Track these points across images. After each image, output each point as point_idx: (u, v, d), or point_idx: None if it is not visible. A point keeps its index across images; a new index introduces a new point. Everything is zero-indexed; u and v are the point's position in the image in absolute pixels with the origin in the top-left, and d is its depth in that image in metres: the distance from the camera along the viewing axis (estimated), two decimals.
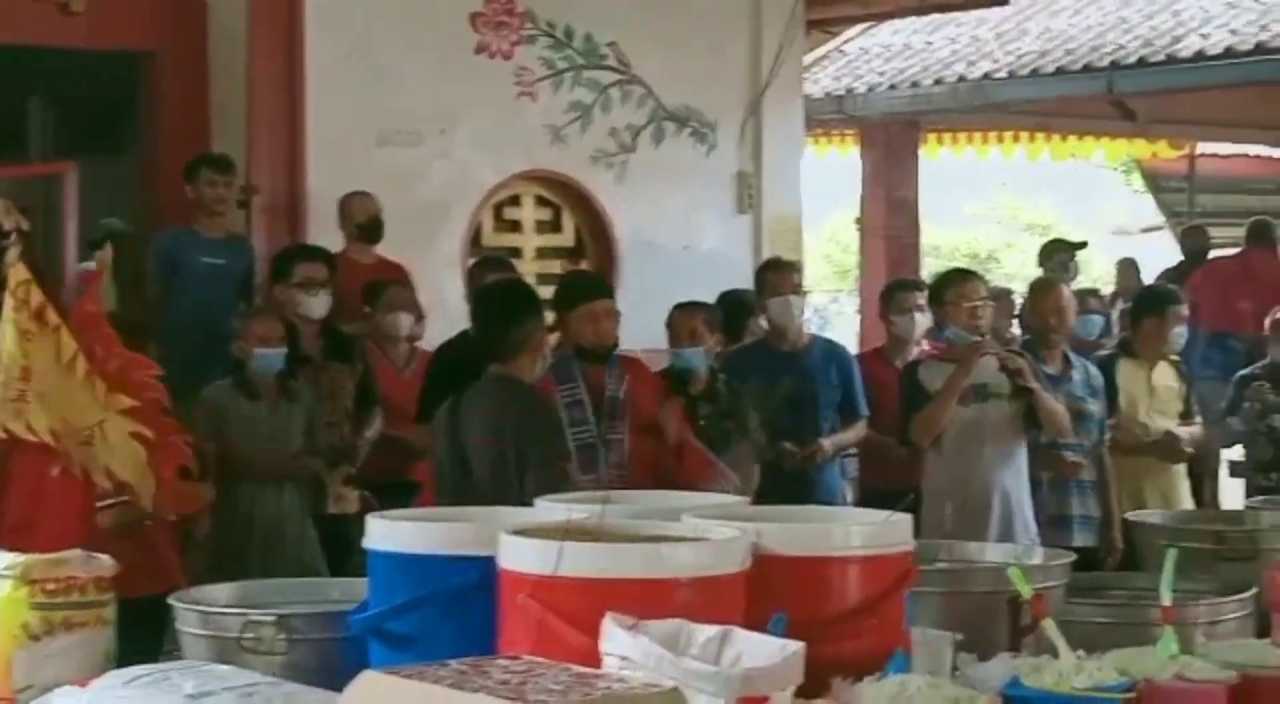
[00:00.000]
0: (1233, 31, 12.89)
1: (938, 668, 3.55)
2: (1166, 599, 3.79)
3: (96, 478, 5.17)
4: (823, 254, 27.49)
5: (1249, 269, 11.90)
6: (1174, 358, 8.12)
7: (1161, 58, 12.96)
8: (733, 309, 8.80)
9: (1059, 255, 11.98)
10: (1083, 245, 12.89)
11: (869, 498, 7.33)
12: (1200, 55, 12.75)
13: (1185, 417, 8.03)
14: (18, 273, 5.09)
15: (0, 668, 3.66)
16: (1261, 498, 7.46)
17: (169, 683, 3.39)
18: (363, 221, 9.02)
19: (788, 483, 7.42)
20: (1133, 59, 13.15)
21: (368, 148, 9.62)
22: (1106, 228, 27.12)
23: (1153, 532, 5.28)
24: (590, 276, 8.99)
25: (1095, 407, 7.50)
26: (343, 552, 6.91)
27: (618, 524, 3.63)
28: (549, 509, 3.88)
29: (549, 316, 6.77)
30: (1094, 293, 11.53)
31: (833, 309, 25.79)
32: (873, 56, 15.26)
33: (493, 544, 3.40)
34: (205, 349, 7.81)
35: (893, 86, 14.43)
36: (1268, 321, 9.71)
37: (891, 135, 14.75)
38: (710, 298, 8.58)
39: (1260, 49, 12.43)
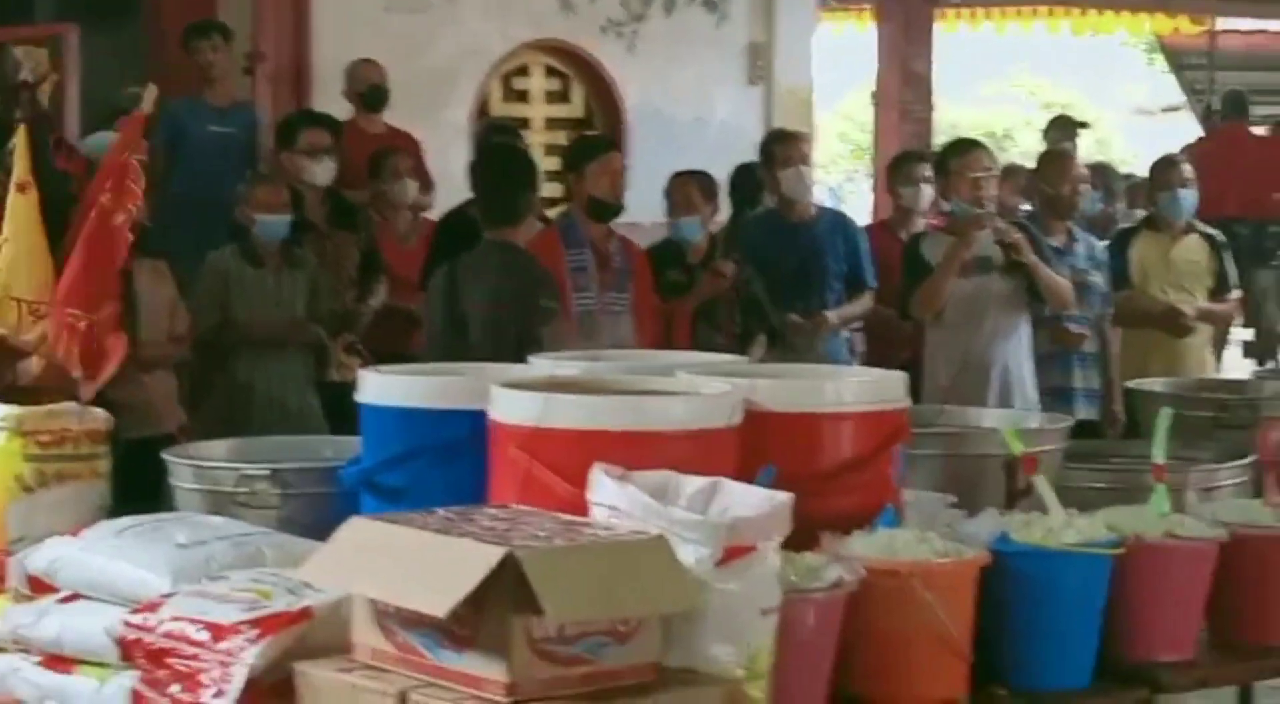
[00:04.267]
0: None
1: (929, 527, 3.55)
2: (1159, 458, 3.78)
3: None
4: (839, 132, 27.38)
5: (1230, 146, 11.82)
6: (1208, 232, 8.04)
7: None
8: (745, 181, 8.77)
9: (1061, 132, 11.91)
10: (1085, 124, 12.80)
11: None
12: None
13: (1217, 293, 7.95)
14: (20, 135, 5.03)
15: None
16: (1269, 368, 7.47)
17: (161, 532, 3.41)
18: (364, 90, 8.96)
19: (794, 354, 7.39)
20: None
21: (375, 14, 9.55)
22: (1128, 107, 26.98)
23: (1153, 399, 5.27)
24: (601, 135, 8.95)
25: (1098, 278, 7.46)
26: (345, 419, 6.89)
27: (611, 379, 3.63)
28: (542, 365, 3.88)
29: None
30: (1102, 167, 11.46)
31: (848, 188, 25.71)
32: None
33: (484, 398, 3.40)
34: (210, 217, 7.78)
35: None
36: None
37: (908, 8, 14.57)
38: (721, 170, 8.55)
39: None
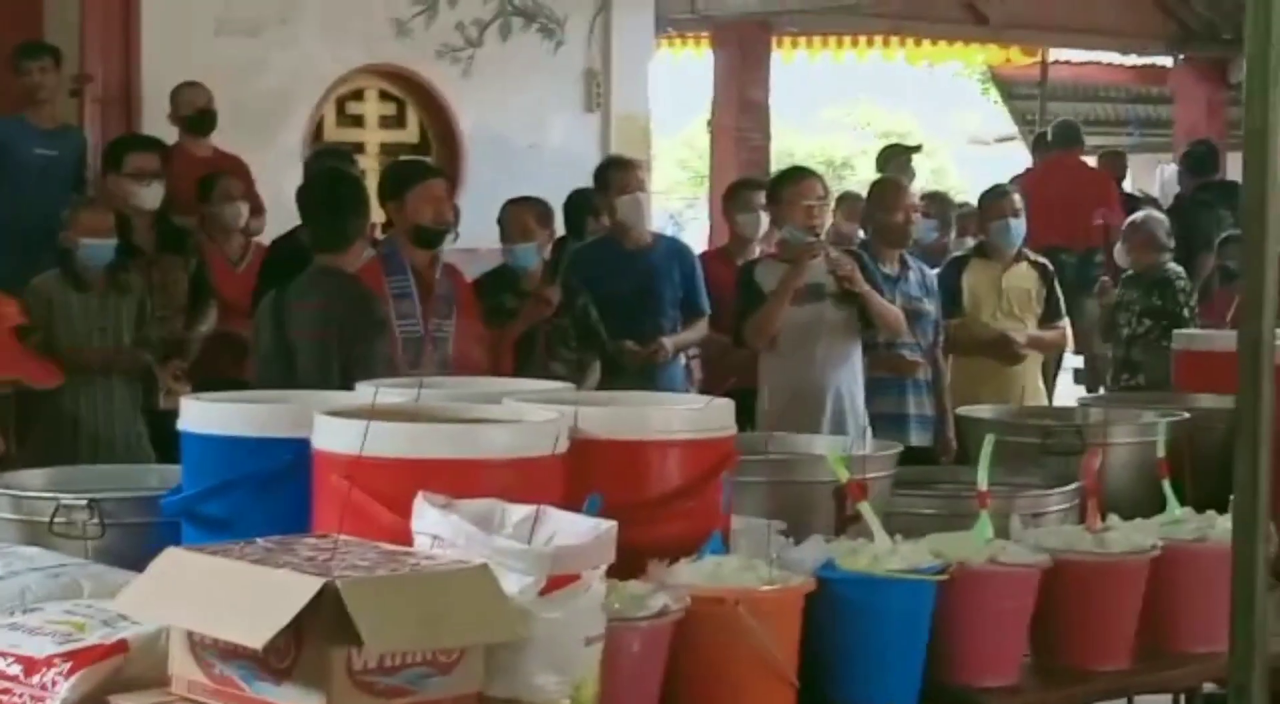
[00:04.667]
0: None
1: (757, 554, 3.55)
2: (983, 484, 3.81)
3: None
4: (679, 160, 27.50)
5: (1058, 175, 12.00)
6: (1038, 260, 8.16)
7: None
8: (579, 207, 8.77)
9: (896, 159, 12.05)
10: (917, 149, 12.96)
11: None
12: None
13: (1046, 320, 8.07)
14: None
15: None
16: (1096, 395, 7.58)
17: None
18: (191, 114, 8.84)
19: (629, 382, 7.39)
20: None
21: (206, 37, 9.43)
22: (963, 137, 27.35)
23: (981, 426, 5.29)
24: (421, 160, 8.88)
25: (930, 306, 7.54)
26: (174, 448, 6.79)
27: (436, 407, 3.59)
28: (367, 393, 3.83)
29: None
30: (937, 196, 11.59)
31: (688, 215, 25.83)
32: None
33: (308, 426, 3.36)
34: (36, 241, 7.65)
35: None
36: (1123, 228, 9.85)
37: (744, 36, 14.67)
38: (557, 196, 8.54)
39: None
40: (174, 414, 7.27)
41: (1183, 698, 4.82)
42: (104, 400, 6.93)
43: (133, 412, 7.01)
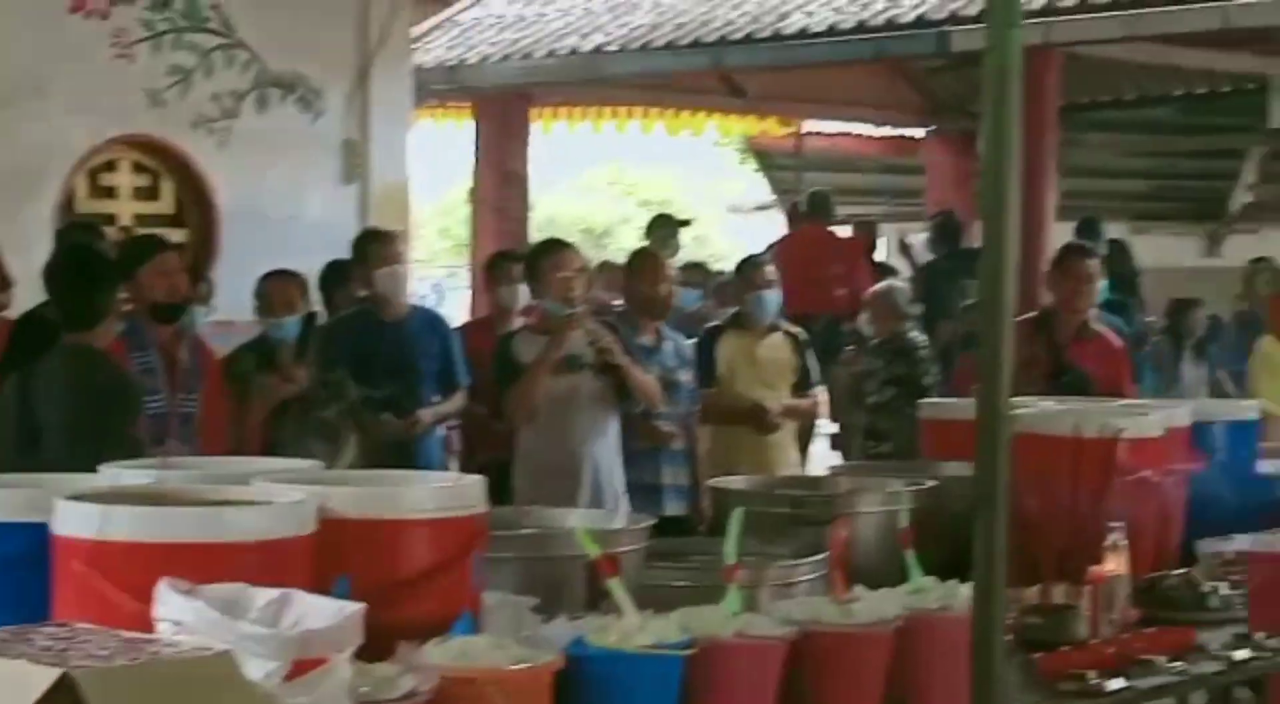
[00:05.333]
0: (835, 9, 13.22)
1: (510, 631, 3.55)
2: (731, 558, 3.85)
3: None
4: (440, 228, 27.48)
5: (810, 244, 12.22)
6: (791, 330, 8.28)
7: (767, 34, 13.21)
8: (333, 279, 8.74)
9: (662, 230, 12.19)
10: (686, 222, 13.13)
11: (472, 470, 7.31)
12: (804, 32, 13.03)
13: (800, 389, 8.19)
14: None
15: None
16: (846, 464, 7.70)
17: None
18: None
19: (387, 455, 7.36)
20: (740, 35, 13.38)
21: None
22: (723, 205, 27.67)
23: (733, 497, 5.34)
24: (153, 235, 8.79)
25: (685, 376, 7.63)
26: None
27: (182, 489, 3.55)
28: (112, 474, 3.78)
29: None
30: (698, 266, 11.74)
31: (450, 284, 25.78)
32: (485, 27, 15.26)
33: (49, 510, 3.30)
34: None
35: (505, 58, 14.44)
36: (866, 297, 10.05)
37: (504, 107, 14.78)
38: (314, 269, 8.50)
39: (861, 27, 12.77)
40: None
41: None
42: None
43: None
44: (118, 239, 9.33)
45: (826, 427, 11.02)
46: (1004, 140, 3.66)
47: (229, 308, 7.84)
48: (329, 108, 11.08)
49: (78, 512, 3.21)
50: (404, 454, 7.53)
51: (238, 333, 7.89)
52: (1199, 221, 17.44)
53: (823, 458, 10.52)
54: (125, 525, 3.15)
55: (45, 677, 2.63)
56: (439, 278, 26.29)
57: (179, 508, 3.31)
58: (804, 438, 9.06)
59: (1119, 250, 12.76)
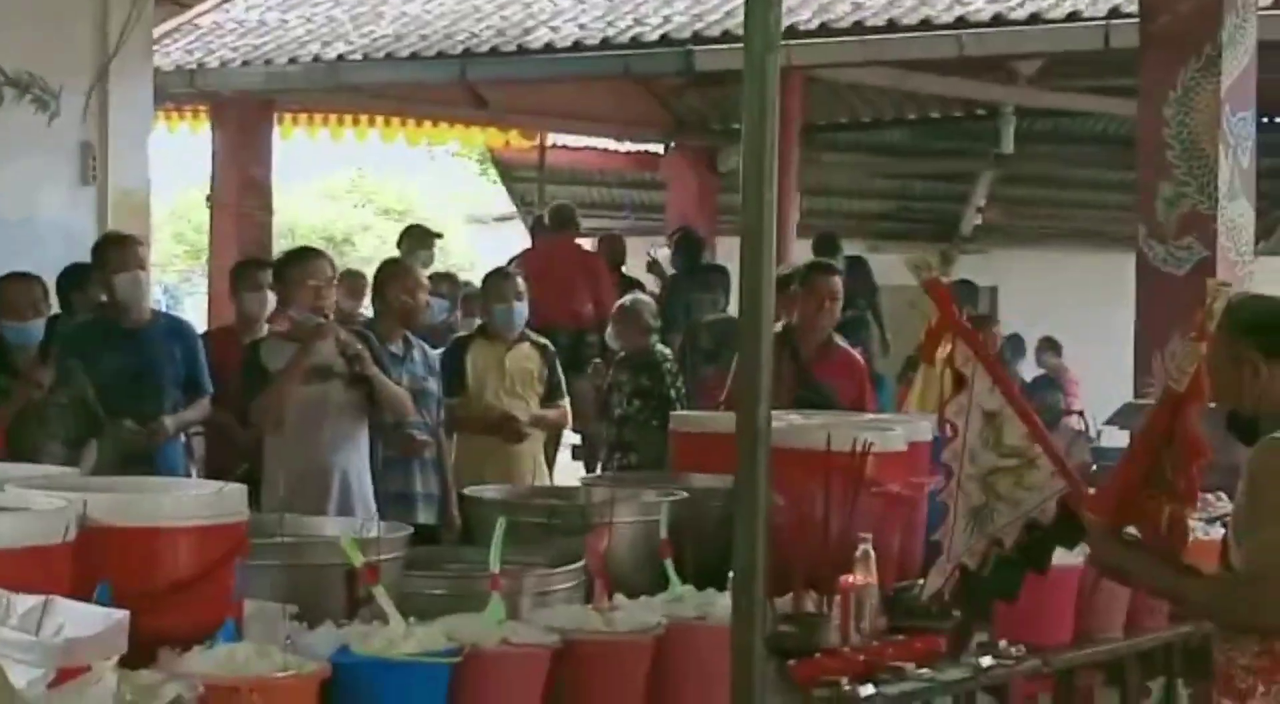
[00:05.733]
0: (581, 26, 13.29)
1: (270, 639, 3.53)
2: (495, 567, 3.87)
3: None
4: (174, 232, 27.01)
5: (554, 257, 12.29)
6: (539, 341, 8.31)
7: (512, 48, 13.23)
8: (72, 283, 8.55)
9: (415, 241, 12.16)
10: (439, 235, 13.11)
11: (215, 478, 7.22)
12: (549, 47, 13.07)
13: (548, 399, 8.22)
14: None
15: None
16: (598, 474, 7.77)
17: None
18: None
19: (128, 462, 7.23)
20: (485, 48, 13.38)
21: None
22: (463, 214, 27.62)
23: (488, 506, 5.35)
24: None
25: (434, 385, 7.63)
26: None
27: None
28: None
29: None
30: (447, 277, 11.72)
31: (184, 288, 25.39)
32: (226, 31, 15.05)
33: None
34: None
35: (246, 63, 14.25)
36: (612, 311, 10.13)
37: (244, 113, 14.59)
38: (50, 271, 8.31)
39: (606, 44, 12.84)
40: None
41: None
42: None
43: None
44: None
45: (569, 438, 11.08)
46: (762, 160, 3.73)
47: None
48: (66, 109, 10.83)
49: None
50: (145, 462, 7.39)
51: None
52: (933, 241, 17.84)
53: (566, 469, 10.57)
54: None
55: None
56: (172, 283, 25.89)
57: None
58: (550, 448, 9.11)
59: (859, 267, 13.02)
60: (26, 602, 3.01)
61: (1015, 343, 13.83)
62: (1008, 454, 4.43)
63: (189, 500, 3.65)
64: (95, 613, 3.02)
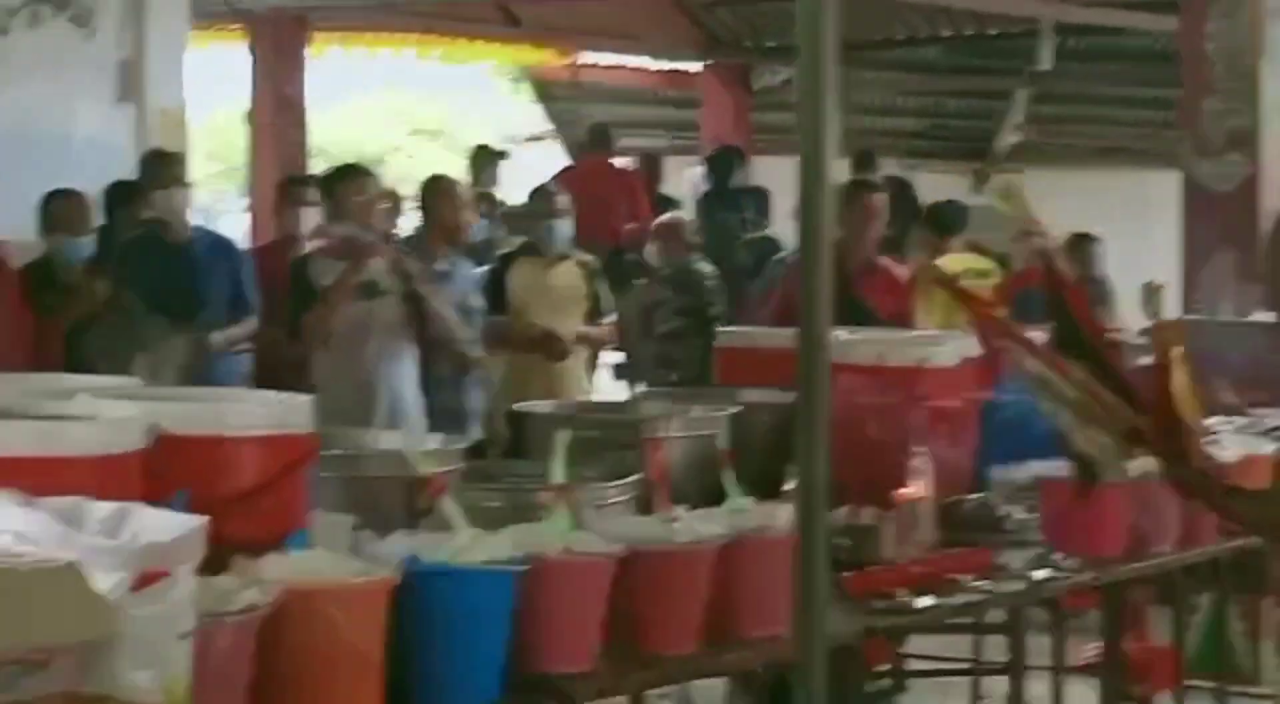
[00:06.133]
0: None
1: (338, 548, 3.57)
2: (558, 478, 3.90)
3: None
4: (208, 151, 26.99)
5: (592, 176, 12.28)
6: (584, 258, 8.32)
7: None
8: (119, 199, 8.59)
9: (482, 160, 12.21)
10: (504, 154, 13.14)
11: None
12: None
13: (592, 317, 8.24)
14: None
15: None
16: (647, 390, 7.79)
17: None
18: None
19: (175, 377, 7.28)
20: None
21: None
22: (496, 134, 27.55)
23: (541, 421, 5.40)
24: None
25: (477, 302, 7.65)
26: None
27: (10, 403, 3.51)
28: None
29: None
30: (487, 196, 11.73)
31: (219, 207, 25.38)
32: None
33: None
34: None
35: None
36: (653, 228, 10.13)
37: (279, 31, 14.57)
38: (90, 188, 8.34)
39: None
40: None
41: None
42: None
43: None
44: None
45: (609, 357, 11.11)
46: (819, 74, 3.71)
47: (1, 227, 7.64)
48: (103, 26, 10.82)
49: None
50: (193, 378, 7.45)
51: (12, 252, 7.71)
52: (967, 160, 17.76)
53: (607, 387, 10.61)
54: None
55: None
56: (208, 201, 25.88)
57: (17, 421, 3.27)
58: (590, 366, 9.14)
59: (900, 186, 13.00)
60: (104, 508, 3.04)
61: None
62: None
63: (259, 410, 3.68)
64: (172, 519, 3.04)
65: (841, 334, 5.91)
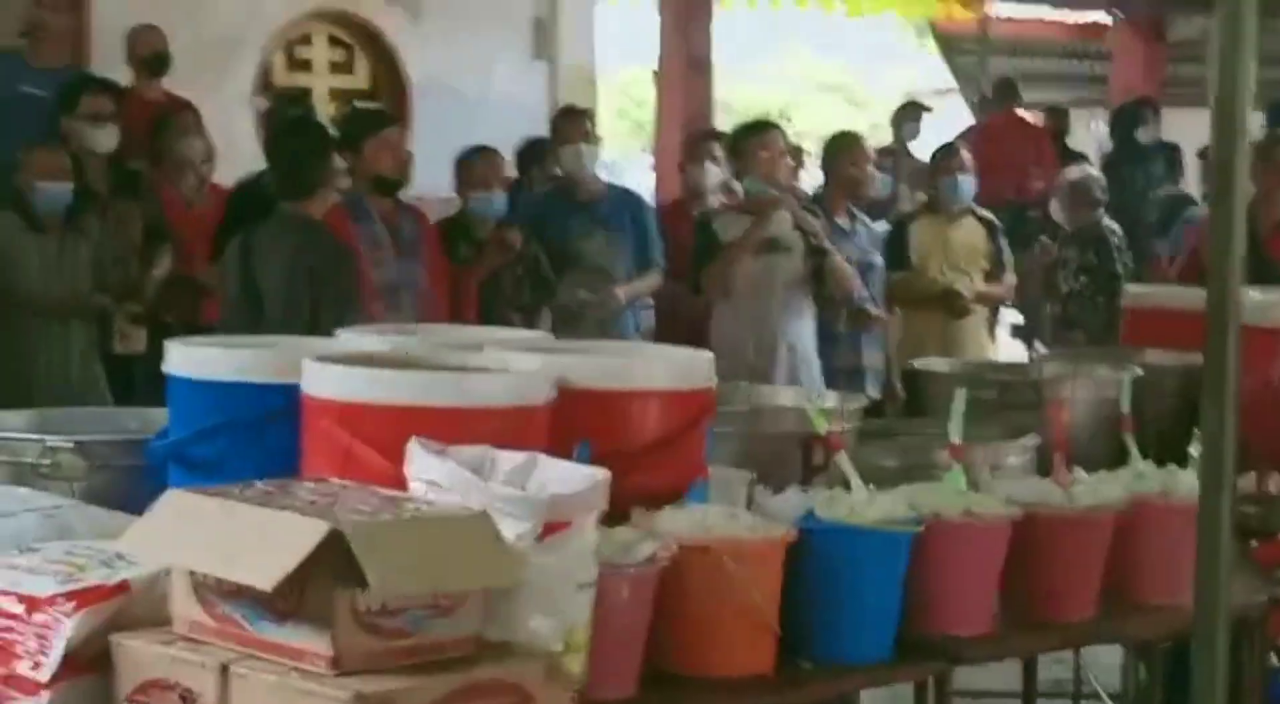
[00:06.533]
0: None
1: (733, 502, 3.61)
2: (956, 437, 3.88)
3: None
4: (617, 108, 27.47)
5: (999, 131, 12.09)
6: (985, 215, 8.25)
7: None
8: (532, 156, 8.80)
9: (904, 114, 12.19)
10: (928, 108, 13.10)
11: None
12: None
13: (992, 275, 8.17)
14: None
15: None
16: (1050, 351, 7.68)
17: None
18: (147, 56, 8.79)
19: (581, 331, 7.44)
20: None
21: None
22: (898, 90, 27.39)
23: (938, 379, 5.38)
24: (378, 108, 8.88)
25: (878, 260, 7.64)
26: (128, 391, 6.84)
27: (423, 355, 3.64)
28: (351, 340, 3.88)
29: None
30: (890, 151, 11.69)
31: (625, 163, 25.79)
32: None
33: (295, 372, 3.40)
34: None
35: None
36: (1059, 185, 9.95)
37: None
38: (504, 145, 8.56)
39: None
40: (128, 358, 7.32)
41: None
42: (61, 345, 6.90)
43: (91, 356, 7.00)
44: (344, 112, 9.42)
45: (1007, 316, 10.98)
46: (1239, 24, 3.61)
47: (421, 184, 7.89)
48: None
49: (332, 374, 3.31)
50: (598, 332, 7.60)
51: (428, 208, 7.96)
52: None
53: (1005, 347, 10.48)
54: (375, 388, 3.24)
55: (317, 528, 2.73)
56: (613, 158, 26.33)
57: (431, 372, 3.39)
58: (990, 325, 9.04)
59: None
60: (513, 459, 3.14)
61: None
62: None
63: (661, 365, 3.75)
64: (577, 471, 3.12)
65: (1253, 295, 5.78)
